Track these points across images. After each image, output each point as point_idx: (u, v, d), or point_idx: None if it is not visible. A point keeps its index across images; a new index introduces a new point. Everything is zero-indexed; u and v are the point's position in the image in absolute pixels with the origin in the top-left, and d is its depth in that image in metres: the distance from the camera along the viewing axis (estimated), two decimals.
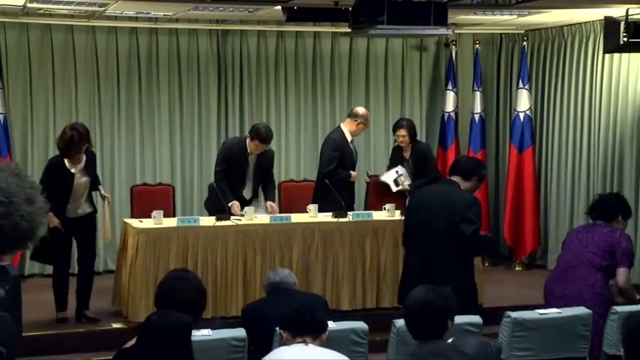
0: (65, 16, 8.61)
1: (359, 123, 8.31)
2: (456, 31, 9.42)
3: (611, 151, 8.74)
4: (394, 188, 8.42)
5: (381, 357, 5.07)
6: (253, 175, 7.94)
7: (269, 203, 7.94)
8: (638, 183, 8.46)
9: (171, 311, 3.79)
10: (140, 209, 8.00)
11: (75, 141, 6.89)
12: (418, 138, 8.88)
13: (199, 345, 4.11)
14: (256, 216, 7.59)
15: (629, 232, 6.56)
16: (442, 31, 6.90)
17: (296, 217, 7.68)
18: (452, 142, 9.85)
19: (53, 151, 8.83)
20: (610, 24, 7.45)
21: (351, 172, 8.27)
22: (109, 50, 9.17)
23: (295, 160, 9.84)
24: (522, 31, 9.75)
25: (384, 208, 7.89)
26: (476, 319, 4.95)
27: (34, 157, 8.98)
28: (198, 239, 7.23)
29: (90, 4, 7.77)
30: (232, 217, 7.49)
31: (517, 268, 9.61)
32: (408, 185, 8.35)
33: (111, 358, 3.92)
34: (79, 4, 7.68)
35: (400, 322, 4.54)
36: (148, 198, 8.30)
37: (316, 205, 7.86)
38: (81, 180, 7.02)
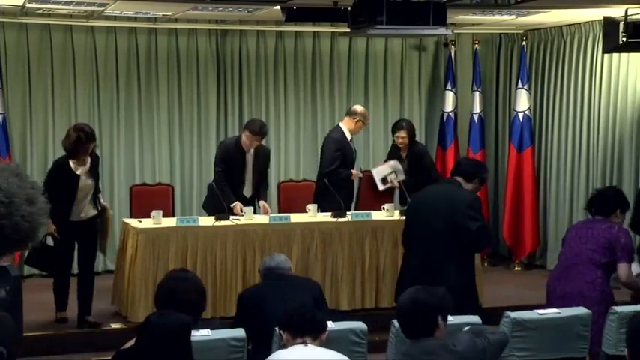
0: (64, 16, 8.61)
1: (358, 121, 8.31)
2: (455, 31, 9.42)
3: (610, 151, 8.75)
4: (381, 187, 8.41)
5: (380, 357, 5.07)
6: (252, 172, 7.95)
7: (262, 203, 7.94)
8: (637, 183, 8.46)
9: (170, 311, 3.79)
10: (139, 209, 8.00)
11: (82, 142, 6.86)
12: (417, 138, 8.88)
13: (199, 345, 4.11)
14: (254, 216, 7.60)
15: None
16: (441, 31, 6.90)
17: (295, 217, 7.68)
18: (451, 142, 9.85)
19: (52, 151, 8.87)
20: (609, 24, 7.46)
21: (352, 171, 8.28)
22: (108, 50, 9.17)
23: (294, 160, 9.84)
24: (521, 31, 9.75)
25: (383, 208, 7.89)
26: (474, 319, 4.95)
27: (33, 157, 8.98)
28: (197, 239, 7.23)
29: (89, 4, 7.77)
30: (231, 217, 7.49)
31: (516, 268, 9.61)
32: (402, 181, 8.30)
33: (110, 358, 3.92)
34: (78, 4, 7.68)
35: None
36: (147, 198, 8.30)
37: (315, 205, 7.86)
38: (86, 182, 6.97)
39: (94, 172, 7.06)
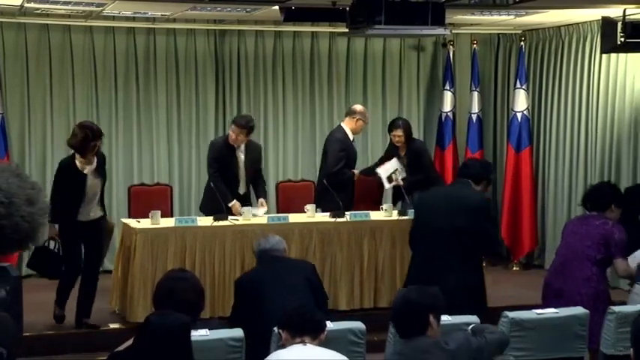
0: (63, 16, 8.61)
1: (358, 119, 8.32)
2: (453, 31, 9.43)
3: (608, 151, 8.76)
4: (387, 185, 8.39)
5: (379, 357, 5.06)
6: (245, 169, 7.94)
7: (261, 200, 7.93)
8: (634, 182, 8.46)
9: (170, 311, 3.79)
10: (138, 209, 7.99)
11: (89, 139, 6.83)
12: (416, 138, 8.86)
13: (197, 345, 4.10)
14: (253, 213, 7.59)
15: None
16: (440, 31, 6.91)
17: (294, 217, 7.68)
18: (449, 142, 9.86)
19: (51, 151, 8.87)
20: (607, 24, 7.46)
21: (354, 172, 8.28)
22: (106, 50, 9.17)
23: (293, 160, 9.84)
24: (520, 31, 9.76)
25: (382, 208, 7.89)
26: (473, 318, 4.96)
27: (31, 157, 8.98)
28: (196, 239, 7.23)
29: (87, 4, 7.77)
30: (230, 218, 7.49)
31: (515, 268, 9.62)
32: (402, 179, 8.29)
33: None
34: (76, 4, 7.67)
35: None
36: (145, 198, 8.29)
37: (314, 205, 7.85)
38: (94, 181, 6.93)
39: (101, 172, 7.03)
